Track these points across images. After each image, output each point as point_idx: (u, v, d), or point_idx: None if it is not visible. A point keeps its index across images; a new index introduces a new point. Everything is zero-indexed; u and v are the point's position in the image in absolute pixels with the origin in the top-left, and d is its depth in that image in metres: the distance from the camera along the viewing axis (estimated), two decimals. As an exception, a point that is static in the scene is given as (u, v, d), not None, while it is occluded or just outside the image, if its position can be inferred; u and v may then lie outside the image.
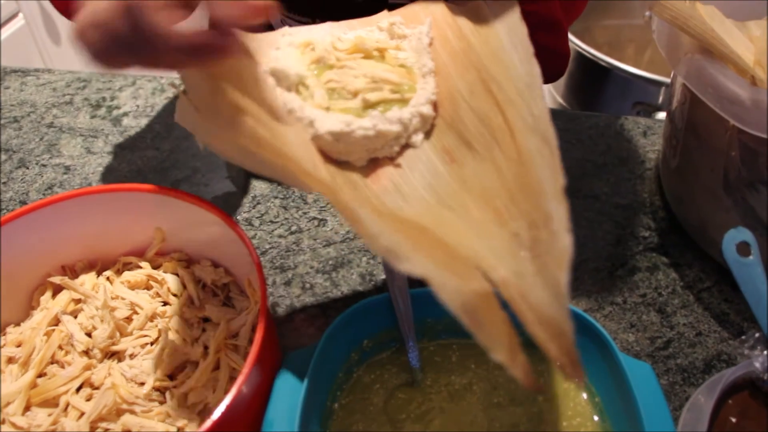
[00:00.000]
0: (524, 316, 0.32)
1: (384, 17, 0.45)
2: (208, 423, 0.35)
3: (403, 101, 0.40)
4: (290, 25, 0.45)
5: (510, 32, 0.40)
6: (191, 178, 0.68)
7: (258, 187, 0.66)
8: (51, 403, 0.43)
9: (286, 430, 0.39)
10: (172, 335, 0.46)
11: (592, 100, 1.25)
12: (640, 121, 0.75)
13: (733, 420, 0.45)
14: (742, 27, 0.52)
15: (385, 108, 0.39)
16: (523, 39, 0.39)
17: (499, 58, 0.39)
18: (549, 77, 0.63)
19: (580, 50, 1.20)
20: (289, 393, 0.41)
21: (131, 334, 0.47)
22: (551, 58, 0.61)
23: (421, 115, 0.40)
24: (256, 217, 0.63)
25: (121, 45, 0.33)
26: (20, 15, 1.54)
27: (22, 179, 0.68)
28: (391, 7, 0.46)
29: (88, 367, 0.45)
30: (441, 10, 0.44)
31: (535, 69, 0.38)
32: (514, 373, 0.31)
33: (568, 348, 0.31)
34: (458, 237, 0.35)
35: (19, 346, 0.46)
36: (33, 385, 0.43)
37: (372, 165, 0.40)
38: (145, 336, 0.47)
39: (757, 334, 0.47)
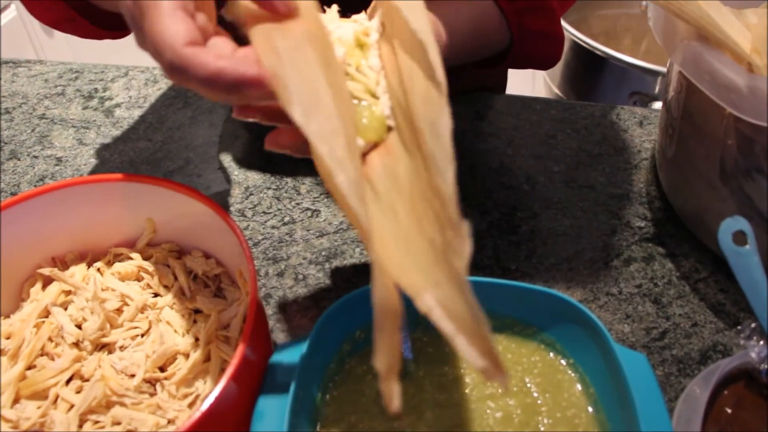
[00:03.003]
0: (442, 324, 0.31)
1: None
2: (197, 414, 0.35)
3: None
4: None
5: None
6: (184, 169, 0.67)
7: (251, 177, 0.66)
8: (40, 395, 0.43)
9: (277, 422, 0.39)
10: (162, 327, 0.46)
11: (588, 89, 1.25)
12: (636, 110, 0.75)
13: (729, 411, 0.44)
14: (739, 14, 0.52)
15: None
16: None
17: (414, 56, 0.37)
18: (544, 63, 0.63)
19: (577, 40, 1.20)
20: (279, 384, 0.41)
21: (122, 325, 0.46)
22: (545, 43, 0.60)
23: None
24: (249, 208, 0.63)
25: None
26: (12, 6, 1.54)
27: (13, 171, 0.68)
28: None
29: (77, 359, 0.44)
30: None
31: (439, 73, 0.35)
32: (381, 388, 0.31)
33: (487, 349, 0.30)
34: (386, 250, 0.34)
35: (8, 338, 0.45)
36: (22, 378, 0.43)
37: None
38: (136, 328, 0.46)
39: (753, 325, 0.47)
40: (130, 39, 0.69)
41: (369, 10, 0.44)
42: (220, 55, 0.33)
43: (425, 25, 0.35)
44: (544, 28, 0.58)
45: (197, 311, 0.48)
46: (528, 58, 0.61)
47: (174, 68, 0.32)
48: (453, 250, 0.32)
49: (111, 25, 0.58)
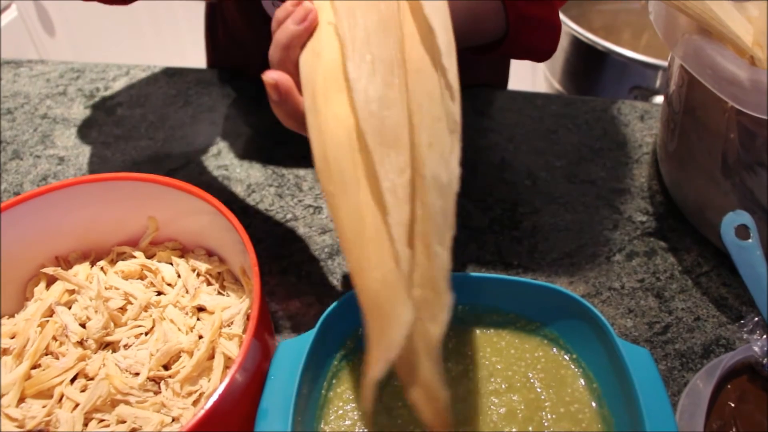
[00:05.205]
0: (405, 378, 0.32)
1: None
2: (202, 412, 0.35)
3: None
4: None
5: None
6: (186, 167, 0.67)
7: (253, 175, 0.66)
8: (45, 394, 0.43)
9: (281, 419, 0.39)
10: (166, 325, 0.46)
11: (589, 84, 1.25)
12: (637, 105, 0.75)
13: (732, 405, 0.45)
14: (740, 7, 0.52)
15: None
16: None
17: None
18: (539, 54, 0.61)
19: (577, 35, 1.20)
20: (283, 381, 0.41)
21: (125, 324, 0.46)
22: (541, 32, 0.58)
23: None
24: (251, 206, 0.63)
25: None
26: (13, 6, 1.54)
27: (16, 171, 0.68)
28: None
29: (82, 358, 0.44)
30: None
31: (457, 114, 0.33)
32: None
33: (441, 412, 0.31)
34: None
35: (12, 337, 0.46)
36: (27, 377, 0.43)
37: None
38: (140, 326, 0.46)
39: (756, 318, 0.47)
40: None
41: None
42: None
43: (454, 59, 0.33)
44: (542, 17, 0.57)
45: (201, 309, 0.48)
46: (523, 48, 0.60)
47: None
48: (430, 313, 0.31)
49: None
